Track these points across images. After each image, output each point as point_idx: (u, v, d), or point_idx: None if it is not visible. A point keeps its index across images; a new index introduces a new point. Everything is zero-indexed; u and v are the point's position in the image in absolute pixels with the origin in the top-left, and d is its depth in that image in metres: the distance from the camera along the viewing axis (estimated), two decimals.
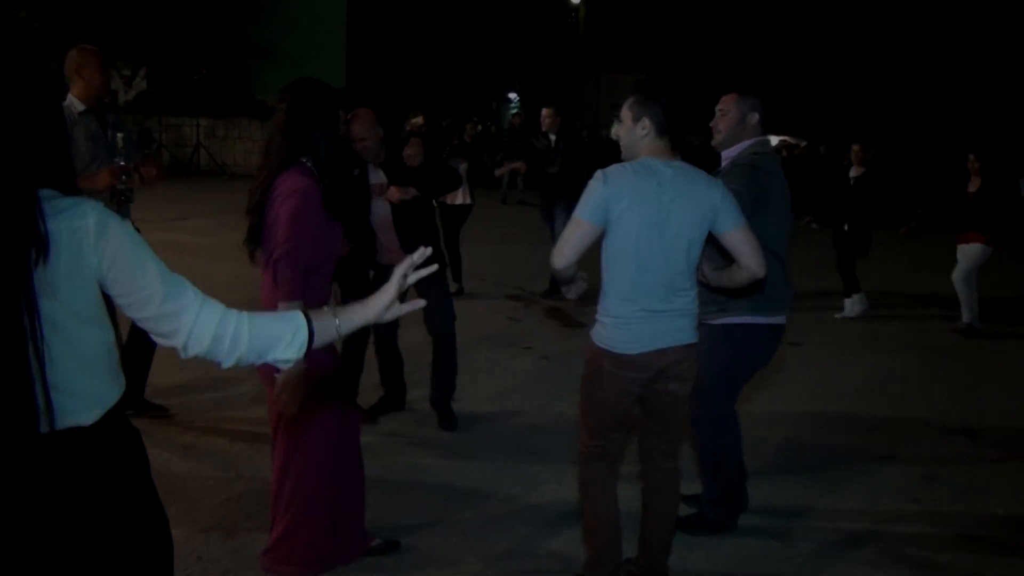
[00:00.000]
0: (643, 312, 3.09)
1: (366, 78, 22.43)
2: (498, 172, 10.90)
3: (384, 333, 5.25)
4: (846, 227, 8.56)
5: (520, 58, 27.81)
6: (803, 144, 20.92)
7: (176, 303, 1.77)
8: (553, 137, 8.81)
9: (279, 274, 3.07)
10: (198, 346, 1.78)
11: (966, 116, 23.14)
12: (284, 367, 1.88)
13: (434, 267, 1.99)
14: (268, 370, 3.05)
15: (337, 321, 1.89)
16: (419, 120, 8.32)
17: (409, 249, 4.89)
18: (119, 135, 4.53)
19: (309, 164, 3.20)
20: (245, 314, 1.83)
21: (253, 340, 1.80)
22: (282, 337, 1.82)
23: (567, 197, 8.84)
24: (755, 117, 3.86)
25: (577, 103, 30.30)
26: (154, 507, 1.98)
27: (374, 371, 5.42)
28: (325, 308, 1.93)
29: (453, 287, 8.19)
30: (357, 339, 5.23)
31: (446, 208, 8.81)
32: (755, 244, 3.16)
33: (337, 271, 3.41)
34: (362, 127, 4.72)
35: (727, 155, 3.89)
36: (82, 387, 1.76)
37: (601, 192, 3.04)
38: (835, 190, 9.30)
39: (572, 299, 3.54)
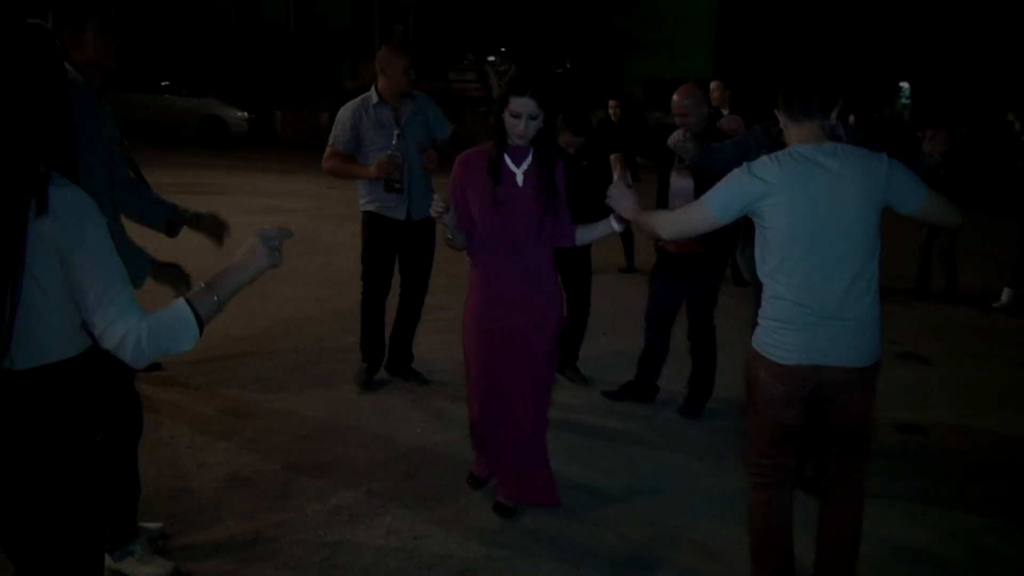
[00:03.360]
0: (802, 318, 2.76)
1: (733, 69, 21.93)
2: None
3: (660, 323, 5.09)
4: None
5: (911, 46, 25.55)
6: None
7: (103, 304, 1.92)
8: (726, 112, 8.01)
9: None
10: (107, 344, 1.94)
11: None
12: (188, 350, 2.01)
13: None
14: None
15: (215, 295, 2.02)
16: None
17: (708, 238, 4.75)
18: (395, 132, 4.77)
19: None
20: (147, 322, 1.94)
21: (151, 342, 1.93)
22: (174, 333, 1.96)
23: None
24: None
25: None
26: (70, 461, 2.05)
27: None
28: (201, 284, 2.04)
29: None
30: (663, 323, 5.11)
31: None
32: (945, 199, 2.88)
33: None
34: (679, 96, 4.75)
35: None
36: (33, 338, 1.93)
37: (740, 185, 2.79)
38: None
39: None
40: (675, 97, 4.75)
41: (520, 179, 3.55)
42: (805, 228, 2.71)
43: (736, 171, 2.82)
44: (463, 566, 3.35)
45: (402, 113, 4.89)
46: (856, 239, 2.74)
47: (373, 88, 4.92)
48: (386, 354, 5.30)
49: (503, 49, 21.75)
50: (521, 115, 3.40)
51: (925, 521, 3.85)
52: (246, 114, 18.15)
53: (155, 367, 5.24)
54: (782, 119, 2.88)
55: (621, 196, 3.21)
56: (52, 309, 1.94)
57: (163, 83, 18.16)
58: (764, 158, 2.80)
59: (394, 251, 5.03)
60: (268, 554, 3.37)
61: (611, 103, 9.40)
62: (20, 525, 2.00)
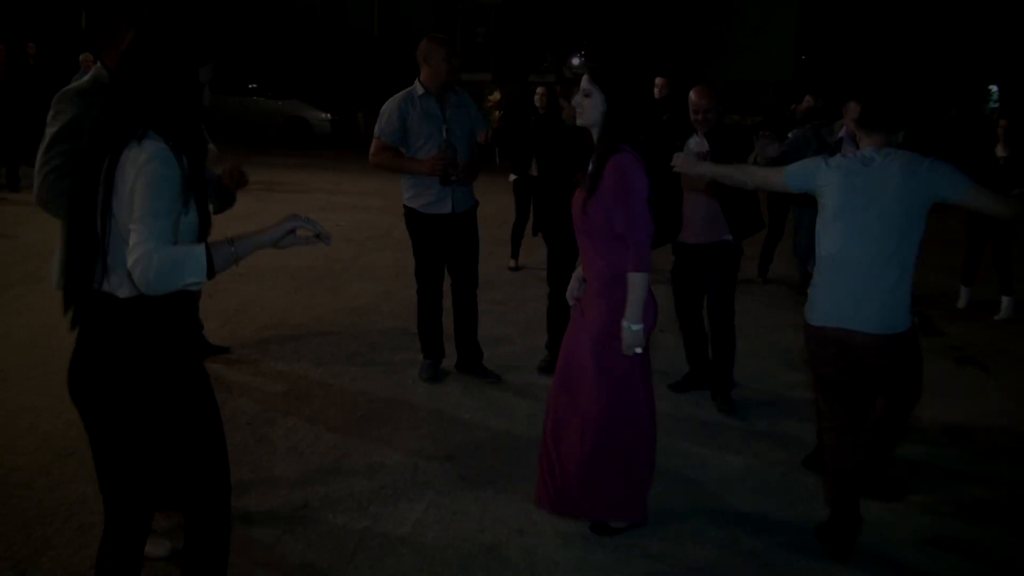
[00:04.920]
0: (833, 282, 3.34)
1: (814, 70, 21.65)
2: None
3: (688, 313, 5.20)
4: None
5: (1000, 48, 24.79)
6: None
7: (135, 228, 2.13)
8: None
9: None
10: (128, 262, 2.13)
11: None
12: (197, 289, 2.24)
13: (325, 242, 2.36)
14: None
15: (232, 248, 2.22)
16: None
17: (737, 229, 4.92)
18: (443, 127, 4.91)
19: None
20: (163, 250, 2.11)
21: (159, 266, 2.10)
22: (184, 264, 2.13)
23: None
24: None
25: None
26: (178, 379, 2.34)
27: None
28: (225, 238, 2.23)
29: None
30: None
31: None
32: (992, 194, 3.32)
33: None
34: (699, 97, 4.86)
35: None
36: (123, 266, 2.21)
37: (815, 166, 3.44)
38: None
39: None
40: (694, 97, 4.88)
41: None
42: (848, 206, 3.28)
43: (816, 158, 3.54)
44: (494, 541, 3.52)
45: (447, 104, 5.01)
46: (892, 222, 3.23)
47: (417, 81, 5.03)
48: (456, 354, 5.46)
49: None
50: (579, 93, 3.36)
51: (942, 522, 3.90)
52: (329, 115, 18.66)
53: (224, 350, 5.56)
54: (858, 130, 3.51)
55: (687, 161, 3.63)
56: None
57: (251, 86, 18.79)
58: (837, 155, 3.52)
59: (441, 245, 5.17)
60: (313, 520, 3.61)
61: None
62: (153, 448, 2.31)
